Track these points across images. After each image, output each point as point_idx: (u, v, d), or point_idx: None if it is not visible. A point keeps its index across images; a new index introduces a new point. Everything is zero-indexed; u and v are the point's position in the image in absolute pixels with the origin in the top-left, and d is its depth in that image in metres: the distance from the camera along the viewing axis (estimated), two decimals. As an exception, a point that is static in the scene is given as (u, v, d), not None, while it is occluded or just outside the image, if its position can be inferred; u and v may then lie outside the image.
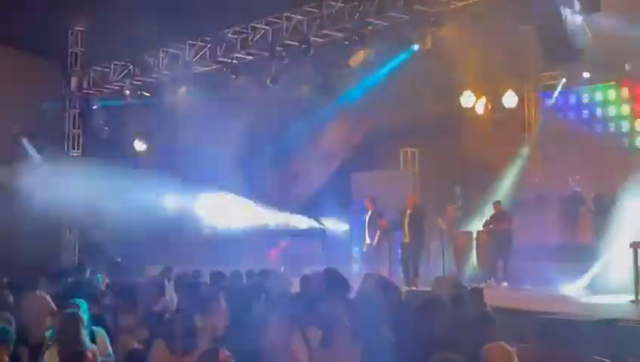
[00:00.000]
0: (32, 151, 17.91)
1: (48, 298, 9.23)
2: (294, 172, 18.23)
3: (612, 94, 15.24)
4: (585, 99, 15.74)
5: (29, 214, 15.57)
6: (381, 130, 16.99)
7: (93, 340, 6.59)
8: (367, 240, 14.72)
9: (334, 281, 8.99)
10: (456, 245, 14.63)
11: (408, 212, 13.79)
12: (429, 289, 11.35)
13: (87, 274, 12.00)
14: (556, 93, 15.95)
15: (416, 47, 12.96)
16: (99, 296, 8.86)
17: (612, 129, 15.25)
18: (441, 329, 5.96)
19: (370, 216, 14.75)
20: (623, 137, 15.06)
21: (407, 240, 13.78)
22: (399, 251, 14.20)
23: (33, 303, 9.00)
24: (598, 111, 15.50)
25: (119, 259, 15.63)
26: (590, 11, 10.28)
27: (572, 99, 16.00)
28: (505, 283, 13.52)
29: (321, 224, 16.54)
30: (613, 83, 15.12)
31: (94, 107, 18.03)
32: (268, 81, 14.83)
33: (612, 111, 15.25)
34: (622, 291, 11.24)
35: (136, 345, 6.99)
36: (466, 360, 4.63)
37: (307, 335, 6.23)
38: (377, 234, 14.51)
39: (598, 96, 15.50)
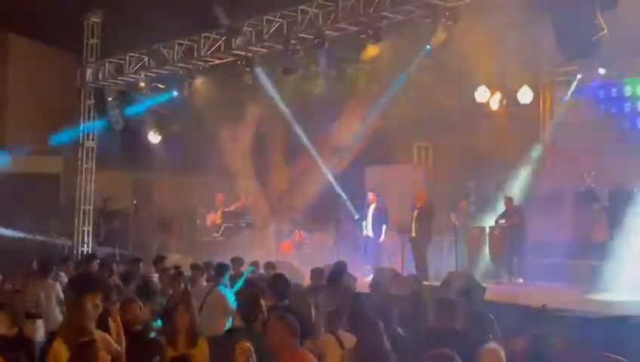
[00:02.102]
0: None
1: (57, 286, 9.30)
2: (307, 166, 18.20)
3: (628, 90, 15.14)
4: (601, 94, 15.65)
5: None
6: (395, 124, 16.94)
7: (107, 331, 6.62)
8: (370, 234, 14.77)
9: (341, 275, 9.03)
10: (469, 240, 14.58)
11: (418, 207, 13.86)
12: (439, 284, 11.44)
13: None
14: (572, 89, 15.83)
15: (429, 46, 12.94)
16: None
17: (627, 125, 15.15)
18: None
19: (374, 211, 14.80)
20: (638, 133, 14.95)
21: (413, 234, 13.87)
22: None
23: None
24: (614, 107, 15.41)
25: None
26: (607, 6, 10.21)
27: (587, 95, 15.88)
28: (520, 280, 13.48)
29: (335, 217, 16.53)
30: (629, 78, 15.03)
31: (109, 99, 18.09)
32: (281, 74, 14.86)
33: (628, 107, 15.15)
34: (636, 288, 11.16)
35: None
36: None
37: (340, 338, 6.23)
38: (384, 229, 14.58)
39: (614, 92, 15.40)
